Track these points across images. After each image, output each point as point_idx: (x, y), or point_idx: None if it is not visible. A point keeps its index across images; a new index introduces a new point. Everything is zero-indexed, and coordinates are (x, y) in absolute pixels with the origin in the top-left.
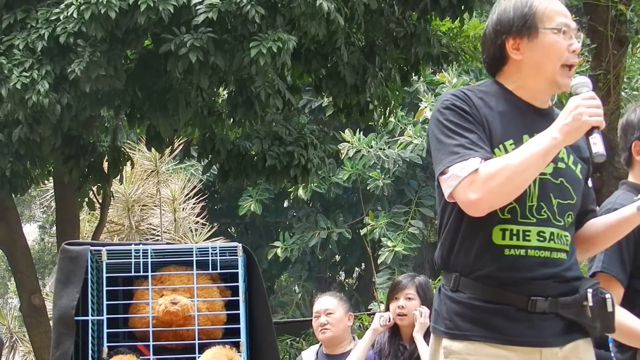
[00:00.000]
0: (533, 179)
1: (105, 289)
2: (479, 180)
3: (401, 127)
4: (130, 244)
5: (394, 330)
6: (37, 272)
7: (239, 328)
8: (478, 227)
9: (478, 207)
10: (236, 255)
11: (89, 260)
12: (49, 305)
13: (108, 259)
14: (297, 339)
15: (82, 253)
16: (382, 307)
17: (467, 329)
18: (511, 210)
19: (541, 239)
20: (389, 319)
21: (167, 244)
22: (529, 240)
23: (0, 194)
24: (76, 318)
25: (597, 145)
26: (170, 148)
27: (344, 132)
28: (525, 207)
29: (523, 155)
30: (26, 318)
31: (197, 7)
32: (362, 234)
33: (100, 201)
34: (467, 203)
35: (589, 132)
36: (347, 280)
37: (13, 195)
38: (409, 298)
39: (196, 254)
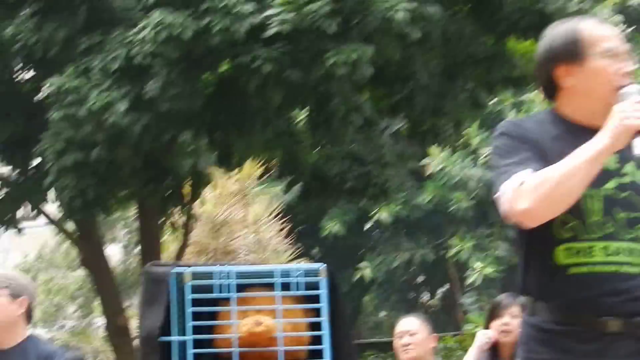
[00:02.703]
0: (584, 184)
1: (189, 309)
2: (527, 188)
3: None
4: (214, 266)
5: (494, 350)
6: (120, 293)
7: (322, 349)
8: (541, 249)
9: (529, 216)
10: (319, 277)
11: (173, 282)
12: (133, 326)
13: (192, 280)
14: (382, 353)
15: (166, 274)
16: (471, 326)
17: (540, 351)
18: (573, 228)
19: (607, 253)
20: (491, 337)
21: (251, 265)
22: (594, 256)
23: (84, 216)
24: (161, 339)
25: (638, 147)
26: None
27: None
28: (588, 224)
29: (571, 162)
30: (111, 338)
31: (269, 21)
32: (447, 255)
33: (183, 223)
34: (519, 214)
35: (636, 136)
36: (430, 302)
37: (96, 216)
38: (513, 316)
39: (279, 276)
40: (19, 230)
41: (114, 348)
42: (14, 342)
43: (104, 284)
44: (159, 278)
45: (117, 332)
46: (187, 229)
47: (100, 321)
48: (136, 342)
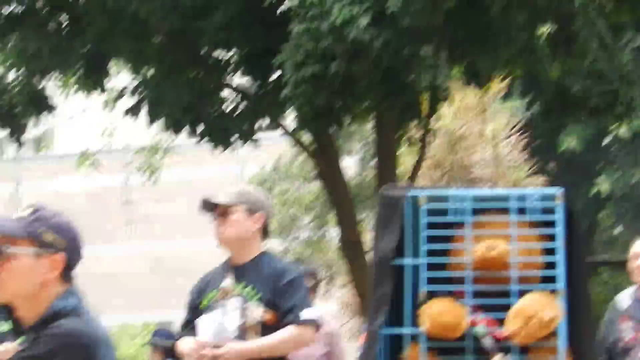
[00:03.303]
0: None
1: (424, 233)
2: None
3: None
4: (448, 190)
5: None
6: (355, 206)
7: (556, 275)
8: None
9: None
10: (555, 202)
11: (408, 205)
12: (366, 239)
13: (427, 204)
14: (615, 272)
15: (401, 198)
16: None
17: None
18: None
19: None
20: None
21: (487, 188)
22: None
23: (320, 128)
24: (395, 261)
25: None
26: (490, 85)
27: None
28: None
29: None
30: (344, 251)
31: None
32: None
33: (420, 137)
34: None
35: None
36: None
37: (332, 129)
38: None
39: (515, 200)
40: (256, 144)
41: (347, 261)
42: (249, 257)
43: (339, 197)
44: (394, 201)
45: (350, 245)
46: (423, 143)
47: (334, 233)
48: (369, 256)
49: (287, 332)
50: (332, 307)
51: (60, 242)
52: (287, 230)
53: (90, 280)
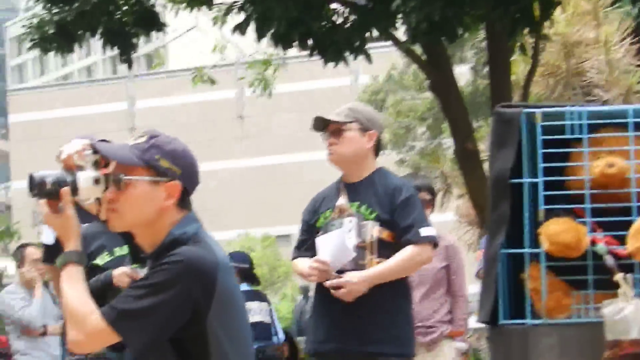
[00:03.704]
0: None
1: (540, 151)
2: None
3: None
4: (565, 106)
5: None
6: (469, 115)
7: None
8: None
9: None
10: None
11: (524, 123)
12: (482, 148)
13: (543, 121)
14: None
15: (516, 116)
16: None
17: None
18: None
19: None
20: None
21: (601, 105)
22: None
23: (430, 40)
24: (512, 181)
25: None
26: None
27: None
28: None
29: None
30: (460, 162)
31: None
32: None
33: (533, 44)
34: None
35: None
36: None
37: (444, 40)
38: None
39: (632, 116)
40: (368, 57)
41: (463, 172)
42: (363, 175)
43: (453, 108)
44: (510, 119)
45: (466, 155)
46: (536, 50)
47: (449, 142)
48: (486, 166)
49: (406, 253)
50: (450, 218)
51: (176, 169)
52: (401, 140)
53: (206, 195)
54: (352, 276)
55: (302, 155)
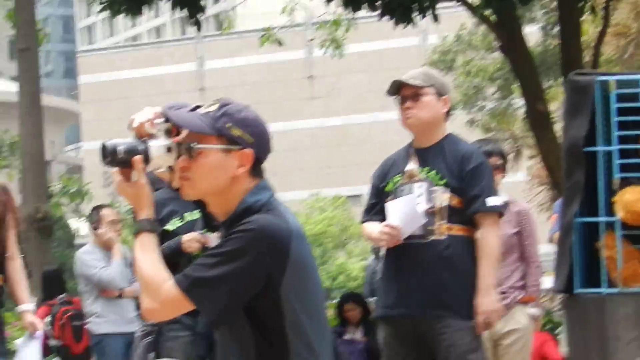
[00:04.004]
0: None
1: (615, 119)
2: None
3: None
4: (638, 75)
5: None
6: (540, 75)
7: None
8: None
9: None
10: None
11: (597, 91)
12: (553, 109)
13: (617, 89)
14: None
15: (590, 84)
16: None
17: None
18: None
19: None
20: None
21: None
22: None
23: (504, 7)
24: (586, 149)
25: None
26: None
27: None
28: None
29: None
30: (531, 122)
31: None
32: None
33: (604, 5)
34: None
35: None
36: None
37: (517, 2)
38: None
39: None
40: (435, 18)
41: (534, 133)
42: (434, 140)
43: (523, 67)
44: (583, 87)
45: (537, 116)
46: (607, 10)
47: (519, 103)
48: (556, 129)
49: (487, 242)
50: (521, 178)
51: (247, 137)
52: (471, 101)
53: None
54: (484, 310)
55: (372, 116)
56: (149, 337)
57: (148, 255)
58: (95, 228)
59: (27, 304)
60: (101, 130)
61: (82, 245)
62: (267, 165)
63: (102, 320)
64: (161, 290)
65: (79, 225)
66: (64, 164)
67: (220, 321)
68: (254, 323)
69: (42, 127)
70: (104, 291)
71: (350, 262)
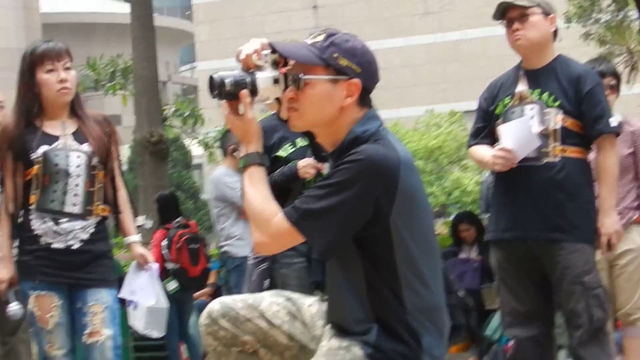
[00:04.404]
0: None
1: None
2: None
3: None
4: None
5: None
6: None
7: None
8: None
9: None
10: None
11: None
12: None
13: None
14: None
15: None
16: None
17: None
18: None
19: None
20: None
21: None
22: None
23: None
24: None
25: None
26: None
27: None
28: None
29: None
30: None
31: None
32: None
33: None
34: None
35: None
36: None
37: None
38: None
39: None
40: None
41: None
42: (544, 62)
43: None
44: None
45: None
46: None
47: (635, 15)
48: None
49: (607, 162)
50: (637, 92)
51: (355, 67)
52: (586, 13)
53: (391, 72)
54: (606, 231)
55: (486, 30)
56: (264, 265)
57: (257, 189)
58: (233, 151)
59: (135, 235)
60: (215, 50)
61: (198, 166)
62: (382, 82)
63: (243, 242)
64: (271, 223)
65: (193, 147)
66: (179, 85)
67: (330, 252)
68: (363, 253)
69: (155, 50)
70: (245, 213)
71: (465, 176)
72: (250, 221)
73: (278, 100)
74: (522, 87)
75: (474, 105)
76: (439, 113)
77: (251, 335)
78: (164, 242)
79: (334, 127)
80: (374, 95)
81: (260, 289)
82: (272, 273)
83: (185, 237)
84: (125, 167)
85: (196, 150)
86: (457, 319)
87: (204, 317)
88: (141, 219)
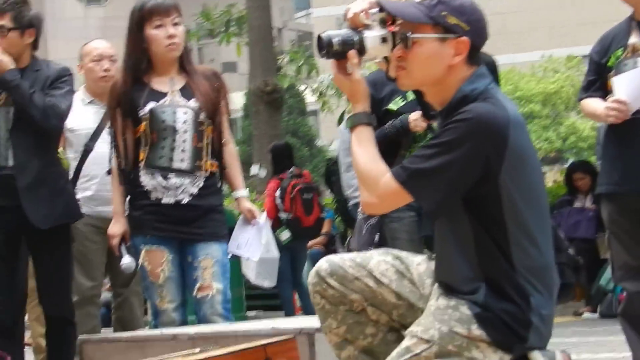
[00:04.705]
0: None
1: None
2: None
3: None
4: None
5: None
6: None
7: None
8: None
9: None
10: None
11: None
12: None
13: None
14: None
15: None
16: None
17: None
18: None
19: None
20: None
21: None
22: None
23: None
24: None
25: None
26: None
27: None
28: None
29: None
30: None
31: None
32: None
33: None
34: None
35: None
36: None
37: None
38: None
39: None
40: None
41: None
42: None
43: None
44: None
45: None
46: None
47: None
48: None
49: None
50: None
51: (463, 25)
52: None
53: (507, 17)
54: None
55: None
56: (373, 219)
57: (365, 149)
58: None
59: (242, 190)
60: None
61: (313, 112)
62: (498, 27)
63: None
64: (379, 183)
65: (308, 94)
66: (294, 31)
67: (439, 212)
68: (472, 213)
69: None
70: None
71: (581, 122)
72: (359, 181)
73: (386, 59)
74: (635, 38)
75: (587, 49)
76: (557, 57)
77: (359, 293)
78: (278, 192)
79: (442, 85)
80: (490, 41)
81: (370, 243)
82: (381, 227)
83: (298, 187)
84: (240, 114)
85: (311, 96)
86: (567, 278)
87: (312, 276)
88: (255, 168)
